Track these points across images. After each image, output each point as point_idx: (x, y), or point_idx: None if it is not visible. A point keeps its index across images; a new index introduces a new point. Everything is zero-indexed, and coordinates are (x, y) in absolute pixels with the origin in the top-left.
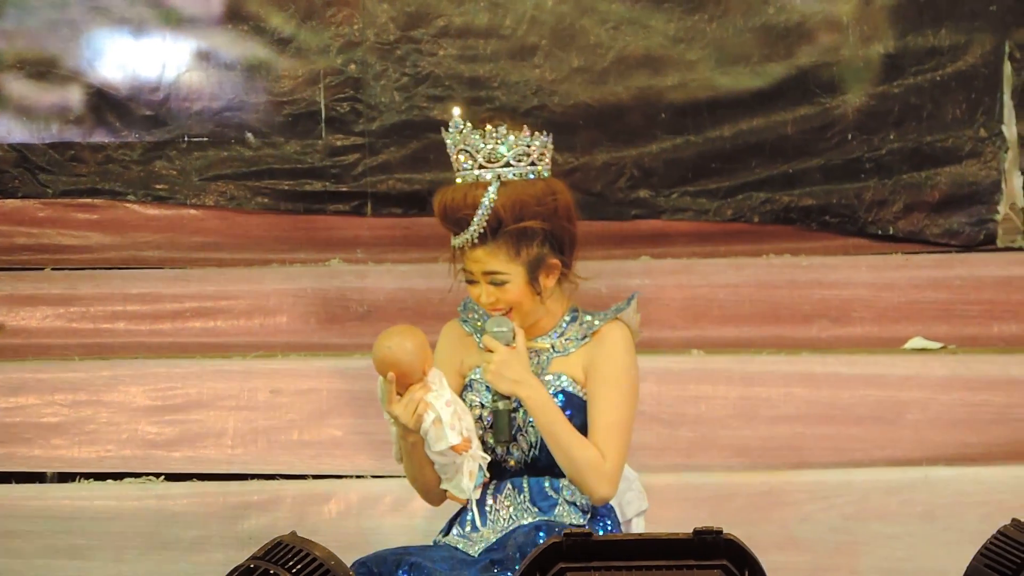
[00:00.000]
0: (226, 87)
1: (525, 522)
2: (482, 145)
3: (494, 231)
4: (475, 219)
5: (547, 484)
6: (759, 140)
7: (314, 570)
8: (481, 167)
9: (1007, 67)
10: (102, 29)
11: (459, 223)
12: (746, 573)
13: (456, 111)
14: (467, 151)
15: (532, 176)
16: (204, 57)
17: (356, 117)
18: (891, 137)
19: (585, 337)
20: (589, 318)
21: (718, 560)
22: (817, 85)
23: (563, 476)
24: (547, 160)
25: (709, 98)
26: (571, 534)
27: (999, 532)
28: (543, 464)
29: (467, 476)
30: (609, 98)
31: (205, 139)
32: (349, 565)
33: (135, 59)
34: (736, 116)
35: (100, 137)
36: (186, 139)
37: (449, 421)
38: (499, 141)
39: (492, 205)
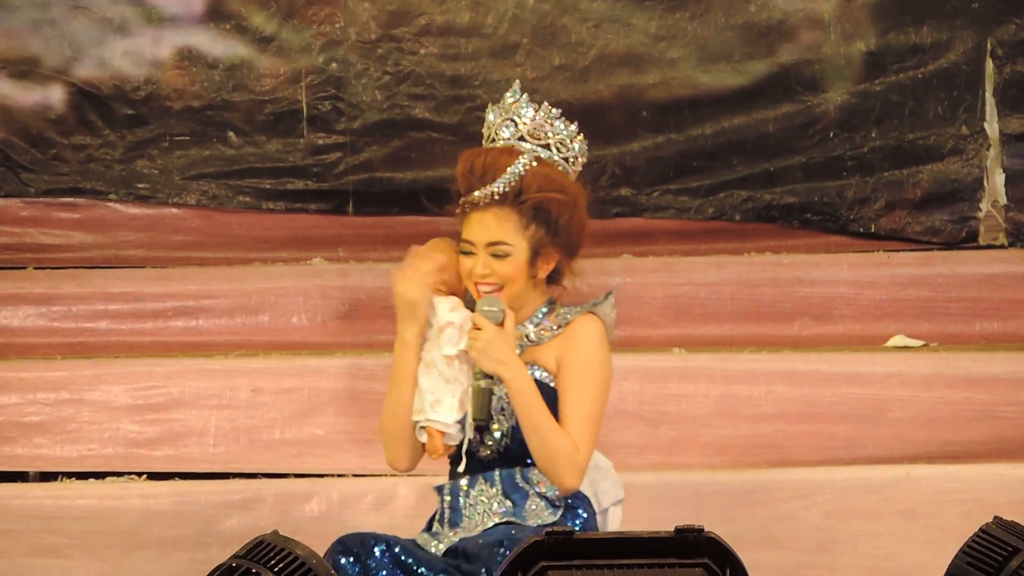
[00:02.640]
0: (208, 86)
1: (491, 523)
2: (532, 115)
3: (514, 196)
4: (503, 177)
5: (519, 476)
6: (741, 138)
7: (296, 569)
8: (522, 138)
9: (989, 64)
10: (84, 28)
11: (483, 179)
12: (727, 571)
13: (516, 82)
14: (513, 121)
15: (563, 170)
16: (186, 56)
17: (338, 116)
18: (873, 135)
19: (559, 327)
20: (564, 310)
21: (700, 558)
22: (799, 83)
23: (535, 466)
24: (578, 166)
25: (691, 96)
26: (553, 533)
27: (981, 530)
28: (515, 454)
29: (456, 401)
30: (591, 96)
31: (187, 138)
32: (328, 547)
33: (117, 58)
34: (718, 114)
35: (82, 136)
36: (168, 138)
37: (462, 333)
38: (550, 121)
39: (523, 172)
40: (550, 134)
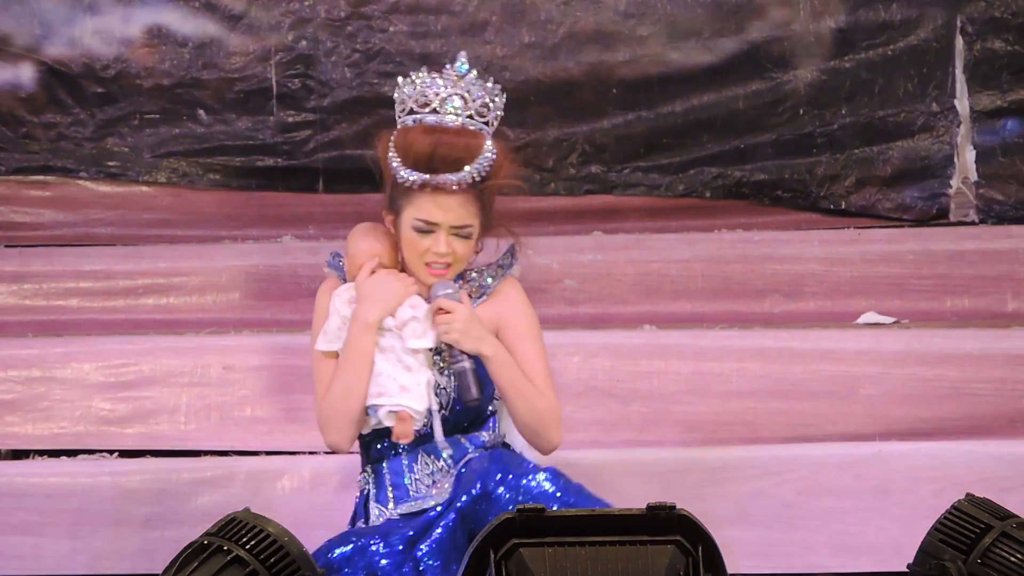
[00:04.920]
0: (177, 64)
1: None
2: (479, 95)
3: (480, 181)
4: (472, 166)
5: (465, 441)
6: (711, 115)
7: (267, 546)
8: (470, 116)
9: (959, 41)
10: (54, 6)
11: (450, 165)
12: (699, 548)
13: (463, 54)
14: (463, 96)
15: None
16: (155, 34)
17: (307, 94)
18: (843, 112)
19: (482, 296)
20: (476, 275)
21: (671, 535)
22: (768, 60)
23: (475, 429)
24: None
25: (660, 73)
26: (524, 510)
27: (953, 507)
28: (451, 424)
29: (424, 389)
30: (560, 74)
31: (157, 116)
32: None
33: (87, 36)
34: (688, 91)
35: (52, 114)
36: (138, 116)
37: (426, 325)
38: (491, 98)
39: (492, 157)
40: (491, 110)
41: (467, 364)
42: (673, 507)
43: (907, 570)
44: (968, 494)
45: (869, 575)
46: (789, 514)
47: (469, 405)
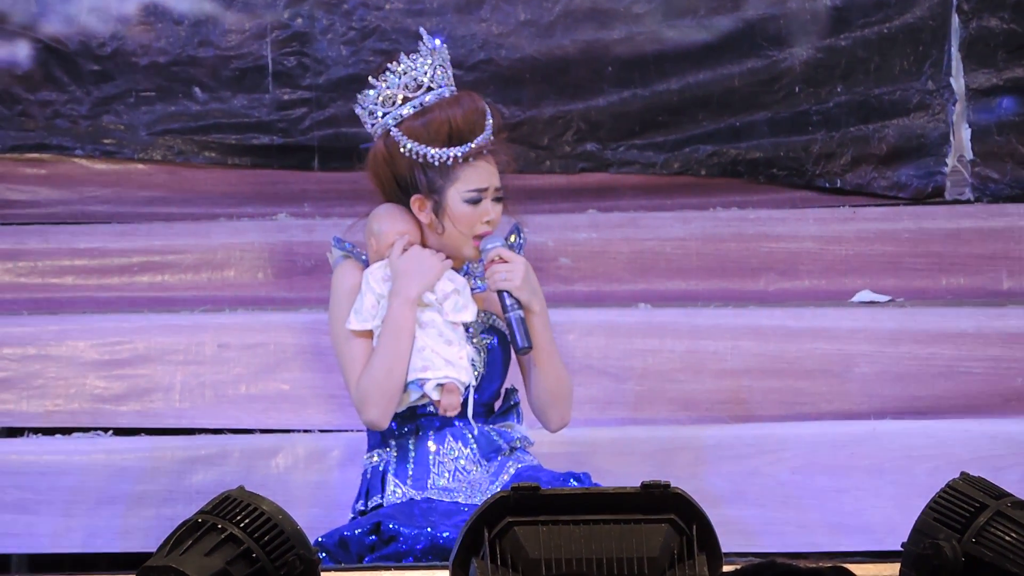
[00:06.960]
0: (173, 42)
1: (485, 473)
2: (447, 60)
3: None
4: (488, 125)
5: (495, 435)
6: (706, 93)
7: (261, 524)
8: (452, 85)
9: (955, 19)
10: None
11: (477, 130)
12: (694, 527)
13: (422, 28)
14: (442, 66)
15: None
16: (151, 12)
17: (303, 71)
18: (838, 90)
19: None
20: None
21: (666, 514)
22: (764, 38)
23: (491, 420)
24: None
25: (656, 51)
26: (519, 487)
27: (948, 486)
28: (476, 403)
29: (468, 363)
30: (556, 52)
31: (153, 94)
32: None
33: (83, 14)
34: (683, 69)
35: (48, 92)
36: (134, 94)
37: (466, 298)
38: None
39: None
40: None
41: (522, 313)
42: (667, 485)
43: (901, 549)
44: (963, 473)
45: (863, 554)
46: (783, 493)
47: (521, 355)
